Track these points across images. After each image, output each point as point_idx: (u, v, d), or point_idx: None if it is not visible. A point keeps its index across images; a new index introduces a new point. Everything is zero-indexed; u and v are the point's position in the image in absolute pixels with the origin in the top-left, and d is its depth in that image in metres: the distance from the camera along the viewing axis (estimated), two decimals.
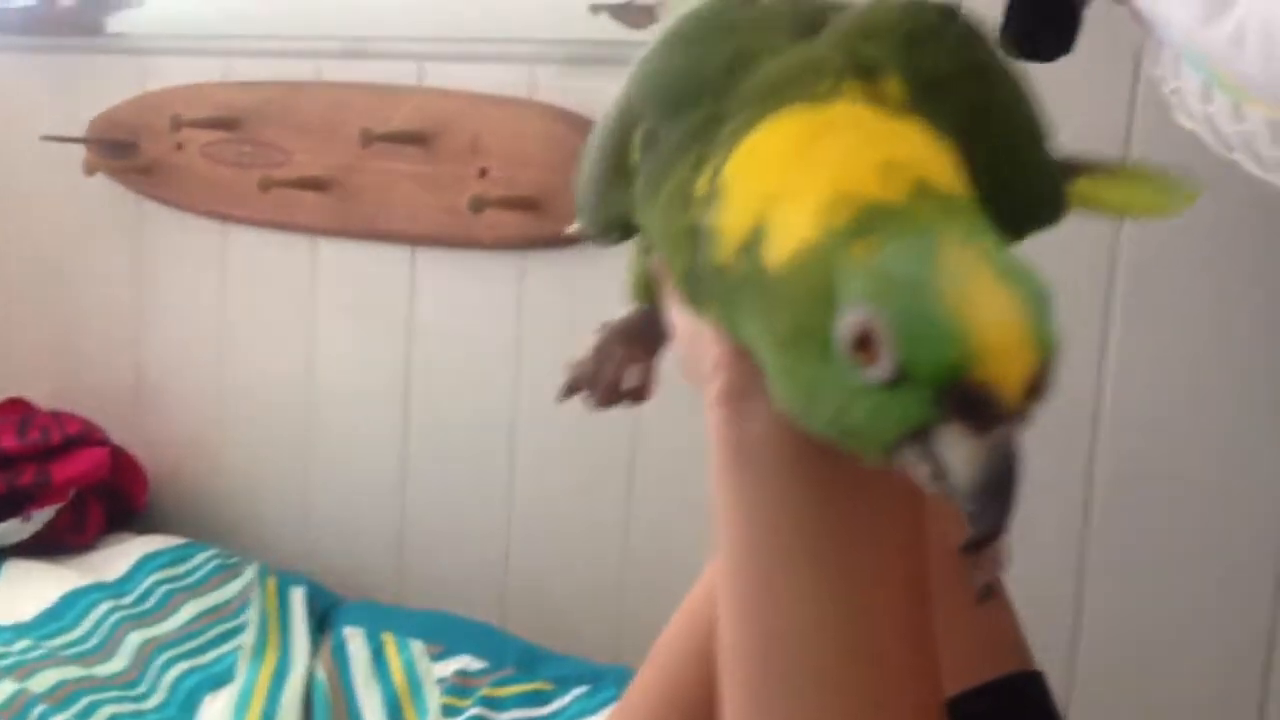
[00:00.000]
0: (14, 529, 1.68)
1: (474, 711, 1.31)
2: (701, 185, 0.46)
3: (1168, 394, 1.21)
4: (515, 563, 1.59)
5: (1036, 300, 0.39)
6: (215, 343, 1.82)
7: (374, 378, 1.68)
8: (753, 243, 0.43)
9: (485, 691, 1.34)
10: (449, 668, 1.39)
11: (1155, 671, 1.23)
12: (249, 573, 1.62)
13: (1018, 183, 0.52)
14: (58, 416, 1.85)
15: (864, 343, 0.39)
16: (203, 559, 1.64)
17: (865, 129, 0.45)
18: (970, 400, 0.39)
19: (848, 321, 0.40)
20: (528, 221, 1.51)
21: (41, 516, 1.70)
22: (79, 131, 1.86)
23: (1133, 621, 1.24)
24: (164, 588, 1.58)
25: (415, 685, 1.37)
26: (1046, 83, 1.14)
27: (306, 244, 1.73)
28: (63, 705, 1.33)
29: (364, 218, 1.65)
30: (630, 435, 1.47)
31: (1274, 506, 1.17)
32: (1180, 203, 0.58)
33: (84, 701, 1.34)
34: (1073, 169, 0.58)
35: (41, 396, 1.94)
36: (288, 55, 1.72)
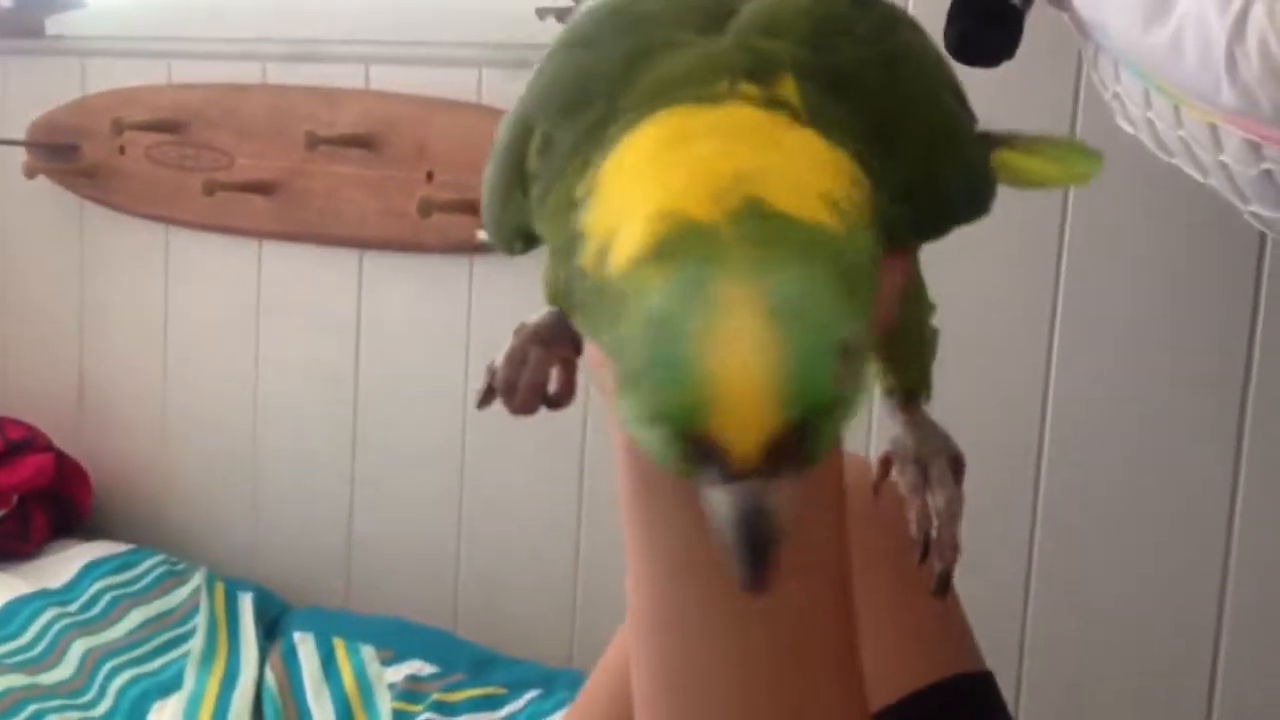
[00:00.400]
0: None
1: (426, 716, 1.31)
2: (581, 189, 0.44)
3: (1110, 397, 1.24)
4: (466, 567, 1.59)
5: (803, 352, 0.35)
6: (160, 347, 1.81)
7: (321, 382, 1.68)
8: (603, 251, 0.40)
9: (437, 696, 1.34)
10: (400, 673, 1.39)
11: (1102, 674, 1.25)
12: (196, 579, 1.61)
13: (938, 176, 0.49)
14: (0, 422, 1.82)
15: (629, 380, 0.37)
16: (149, 565, 1.63)
17: (736, 136, 0.42)
18: (706, 453, 0.35)
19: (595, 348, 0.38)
20: (475, 225, 1.51)
21: None
22: (19, 134, 1.84)
23: (1078, 620, 1.26)
24: (110, 594, 1.56)
25: (366, 690, 1.37)
26: (989, 87, 1.15)
27: (251, 248, 1.72)
28: (8, 714, 1.32)
29: (310, 221, 1.64)
30: (581, 439, 1.48)
31: (1217, 506, 1.19)
32: (1090, 171, 0.56)
33: (29, 710, 1.33)
34: (992, 142, 0.57)
35: None
36: (231, 58, 1.71)
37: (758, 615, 0.45)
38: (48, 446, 1.81)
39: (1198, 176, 0.80)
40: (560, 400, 0.60)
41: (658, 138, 0.42)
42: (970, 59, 0.91)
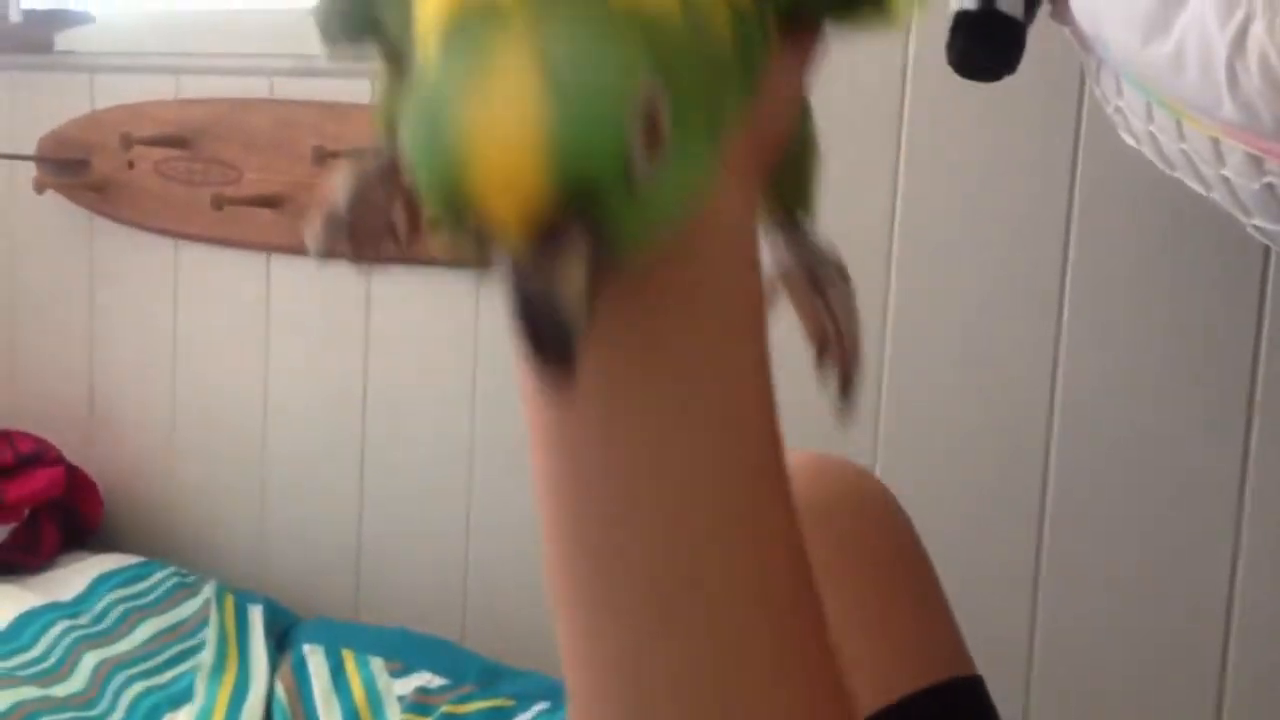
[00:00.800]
0: None
1: None
2: None
3: (1120, 386, 1.24)
4: (474, 578, 1.60)
5: (581, 111, 0.30)
6: (169, 360, 1.82)
7: (329, 394, 1.69)
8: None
9: (446, 708, 1.34)
10: (409, 684, 1.39)
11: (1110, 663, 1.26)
12: (206, 591, 1.61)
13: None
14: (9, 435, 1.83)
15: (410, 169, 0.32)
16: (160, 577, 1.64)
17: None
18: (481, 232, 0.31)
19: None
20: None
21: None
22: (29, 149, 1.85)
23: (1087, 614, 1.27)
24: (121, 607, 1.57)
25: (375, 702, 1.37)
26: (992, 101, 1.16)
27: (260, 261, 1.73)
28: None
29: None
30: None
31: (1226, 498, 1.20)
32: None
33: None
34: None
35: None
36: (238, 73, 1.72)
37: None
38: (58, 459, 1.82)
39: (1200, 190, 0.80)
40: (412, 239, 0.50)
41: None
42: (972, 74, 0.92)
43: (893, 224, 1.32)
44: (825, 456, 0.75)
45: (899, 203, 1.31)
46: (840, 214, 1.31)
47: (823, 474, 0.73)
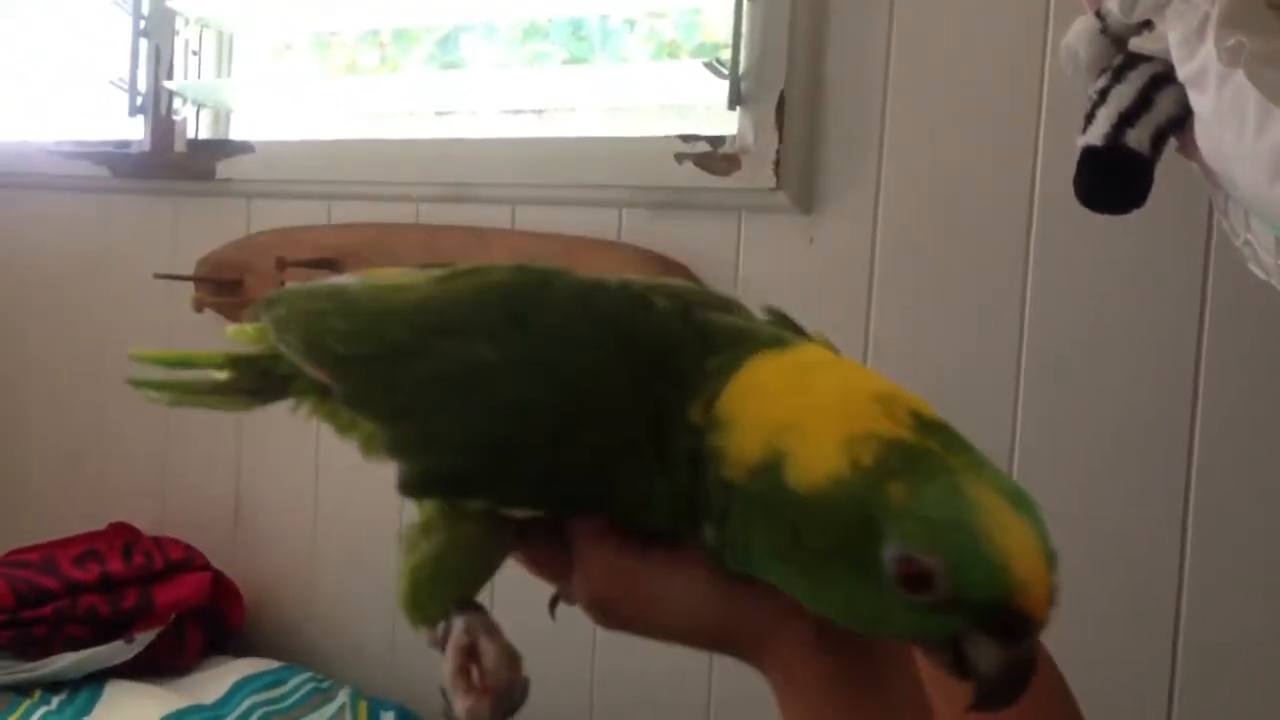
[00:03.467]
0: (118, 650, 1.73)
1: None
2: (695, 414, 0.51)
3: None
4: (600, 689, 1.62)
5: (1041, 522, 0.47)
6: (311, 473, 1.89)
7: None
8: (770, 465, 0.49)
9: None
10: None
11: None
12: (341, 697, 1.66)
13: None
14: (160, 541, 1.92)
15: (919, 578, 0.46)
16: (297, 683, 1.69)
17: (840, 364, 0.52)
18: (1009, 620, 0.46)
19: (902, 559, 0.46)
20: None
21: (144, 639, 1.75)
22: (189, 270, 1.96)
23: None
24: (260, 711, 1.62)
25: None
26: (1122, 234, 1.19)
27: None
28: None
29: None
30: None
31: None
32: None
33: None
34: None
35: (146, 522, 2.02)
36: (387, 199, 1.81)
37: None
38: (205, 566, 1.89)
39: None
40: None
41: (781, 369, 0.51)
42: (1100, 207, 0.95)
43: (1020, 351, 1.34)
44: None
45: (1026, 332, 1.34)
46: (968, 340, 1.34)
47: None
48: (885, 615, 0.48)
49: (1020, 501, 0.47)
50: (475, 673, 0.59)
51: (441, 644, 0.61)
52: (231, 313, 1.94)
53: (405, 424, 0.57)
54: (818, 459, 0.48)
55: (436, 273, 0.61)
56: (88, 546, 1.88)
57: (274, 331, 0.64)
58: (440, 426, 0.56)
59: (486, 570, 0.61)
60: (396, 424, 0.58)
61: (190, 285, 1.94)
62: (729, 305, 0.58)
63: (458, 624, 0.60)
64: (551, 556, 0.60)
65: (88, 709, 1.63)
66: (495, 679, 0.59)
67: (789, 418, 0.49)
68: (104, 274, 2.13)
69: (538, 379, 0.53)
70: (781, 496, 0.48)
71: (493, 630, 0.60)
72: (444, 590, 0.60)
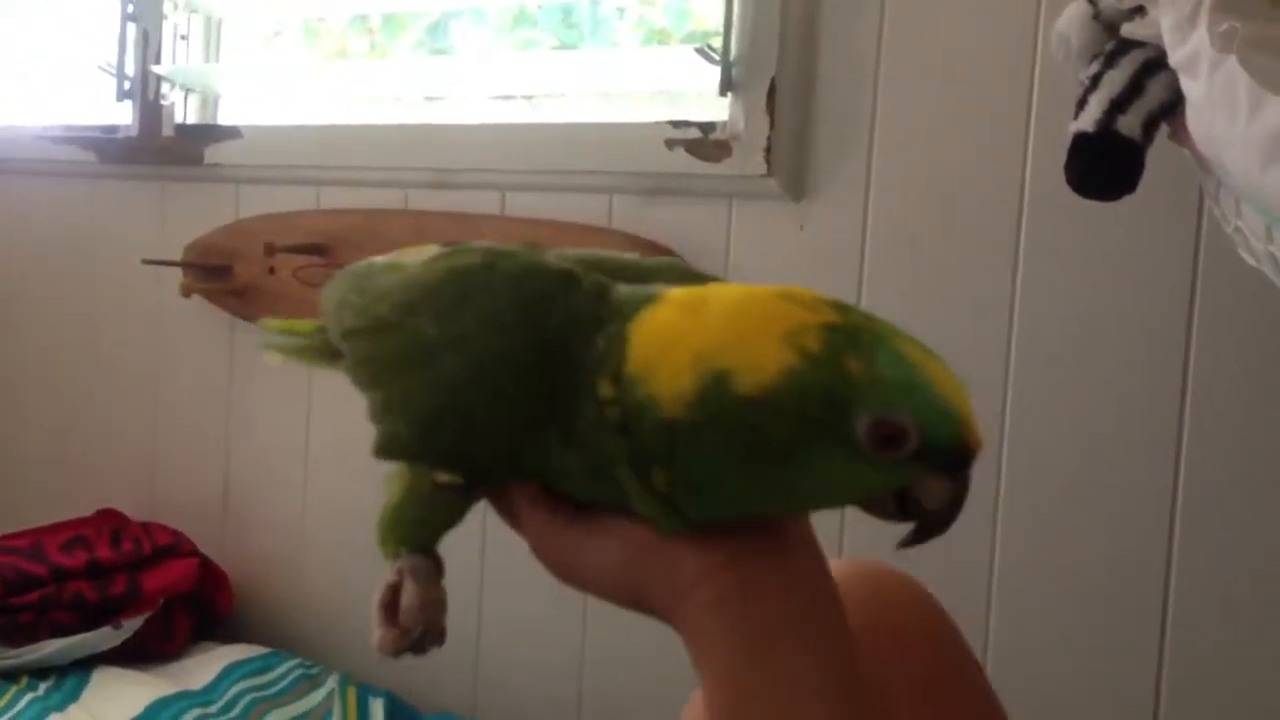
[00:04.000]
0: (106, 636, 1.73)
1: None
2: (604, 389, 0.54)
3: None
4: (589, 678, 1.62)
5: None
6: (301, 459, 1.89)
7: None
8: (712, 386, 0.51)
9: None
10: None
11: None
12: (330, 683, 1.66)
13: None
14: (148, 528, 1.91)
15: (892, 437, 0.51)
16: (286, 669, 1.69)
17: (720, 288, 0.55)
18: (962, 457, 0.52)
19: (876, 422, 0.51)
20: None
21: (132, 625, 1.75)
22: (177, 255, 1.96)
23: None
24: (248, 697, 1.62)
25: None
26: (1113, 221, 1.19)
27: None
28: None
29: None
30: None
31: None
32: None
33: None
34: None
35: (133, 508, 2.01)
36: (376, 185, 1.81)
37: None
38: (193, 552, 1.89)
39: None
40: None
41: (680, 306, 0.54)
42: (1091, 194, 0.95)
43: (1010, 340, 1.34)
44: (870, 564, 0.79)
45: (1016, 320, 1.34)
46: (958, 328, 1.34)
47: (862, 580, 0.76)
48: (858, 480, 0.53)
49: (937, 354, 0.53)
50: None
51: None
52: (219, 298, 1.93)
53: (374, 393, 0.62)
54: (764, 360, 0.51)
55: (434, 252, 0.65)
56: (75, 533, 1.88)
57: (322, 305, 0.70)
58: (393, 397, 0.61)
59: (441, 523, 0.67)
60: (369, 393, 0.63)
61: (178, 271, 1.93)
62: (682, 274, 0.61)
63: (400, 564, 0.65)
64: (513, 516, 0.65)
65: (75, 695, 1.63)
66: (406, 617, 0.63)
67: (709, 342, 0.52)
68: (92, 259, 2.12)
69: (460, 358, 0.58)
70: (736, 407, 0.51)
71: (425, 575, 0.65)
72: (395, 533, 0.66)
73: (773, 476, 0.53)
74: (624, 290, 0.57)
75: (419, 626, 0.64)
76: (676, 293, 0.55)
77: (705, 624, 0.55)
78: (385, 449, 0.62)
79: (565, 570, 0.61)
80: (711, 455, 0.53)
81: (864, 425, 0.51)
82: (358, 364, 0.64)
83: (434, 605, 0.65)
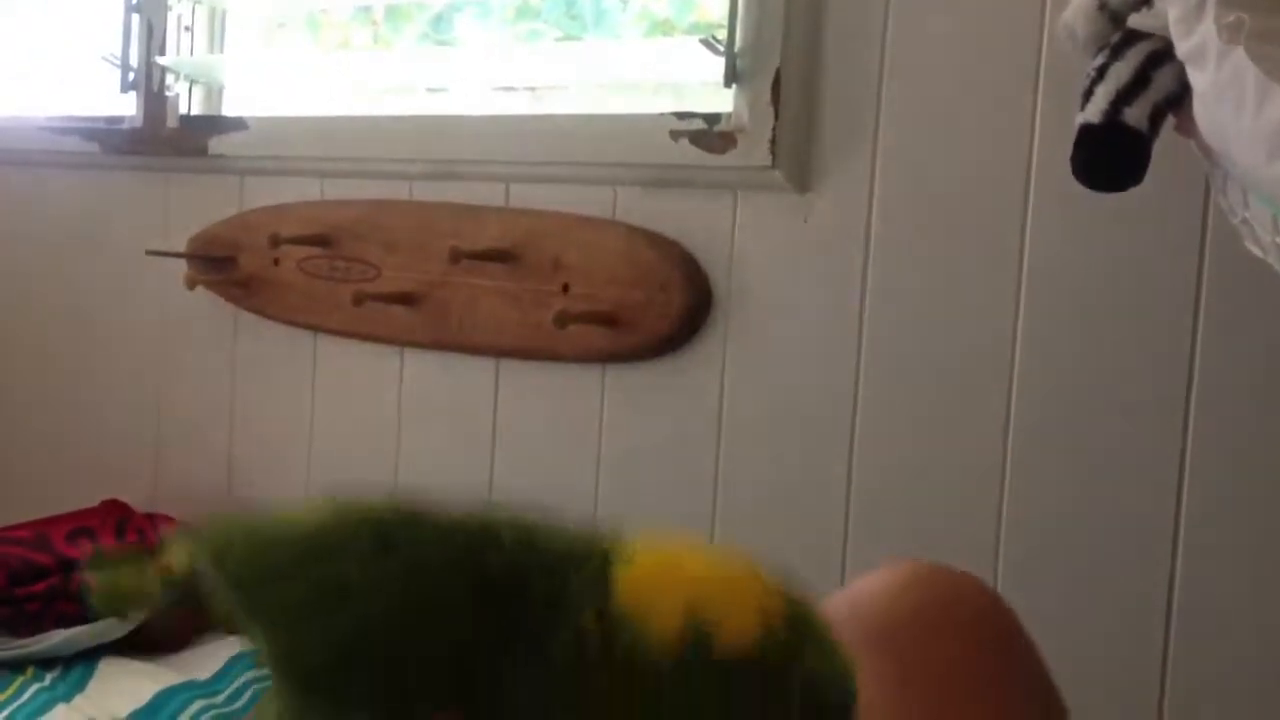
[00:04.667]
0: (111, 627, 1.72)
1: None
2: (588, 621, 0.56)
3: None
4: None
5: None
6: (304, 448, 1.89)
7: (456, 485, 1.74)
8: (695, 639, 0.54)
9: None
10: None
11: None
12: None
13: None
14: (153, 518, 1.92)
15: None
16: None
17: (703, 552, 0.58)
18: None
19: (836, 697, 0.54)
20: (608, 336, 1.57)
21: (136, 615, 1.75)
22: (181, 247, 1.96)
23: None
24: (255, 687, 1.62)
25: None
26: (1118, 212, 1.19)
27: (395, 355, 1.80)
28: None
29: (451, 331, 1.72)
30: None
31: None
32: None
33: None
34: None
35: (138, 498, 2.02)
36: (380, 176, 1.81)
37: None
38: None
39: None
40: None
41: (658, 561, 0.57)
42: (1097, 184, 0.95)
43: (1015, 332, 1.34)
44: (942, 570, 0.76)
45: (1021, 312, 1.34)
46: (963, 320, 1.34)
47: (934, 586, 0.75)
48: None
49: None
50: None
51: None
52: (224, 290, 1.94)
53: (275, 634, 0.63)
54: (740, 626, 0.54)
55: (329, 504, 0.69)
56: (81, 524, 1.88)
57: (196, 553, 0.71)
58: (305, 633, 0.62)
59: None
60: (270, 634, 0.64)
61: (183, 262, 1.94)
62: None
63: None
64: None
65: (81, 685, 1.64)
66: None
67: (694, 593, 0.55)
68: (96, 251, 2.13)
69: (386, 598, 0.60)
70: (713, 666, 0.54)
71: None
72: None
73: None
74: (554, 544, 0.61)
75: None
76: (645, 545, 0.59)
77: None
78: (291, 687, 0.63)
79: None
80: (684, 704, 0.55)
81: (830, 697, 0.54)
82: (251, 610, 0.64)
83: None
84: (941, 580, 0.75)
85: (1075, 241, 1.31)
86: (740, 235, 1.52)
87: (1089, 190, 0.96)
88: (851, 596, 0.74)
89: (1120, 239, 1.29)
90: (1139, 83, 0.92)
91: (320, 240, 1.82)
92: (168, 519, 1.92)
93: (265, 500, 1.93)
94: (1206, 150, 0.88)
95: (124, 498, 2.02)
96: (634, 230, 1.57)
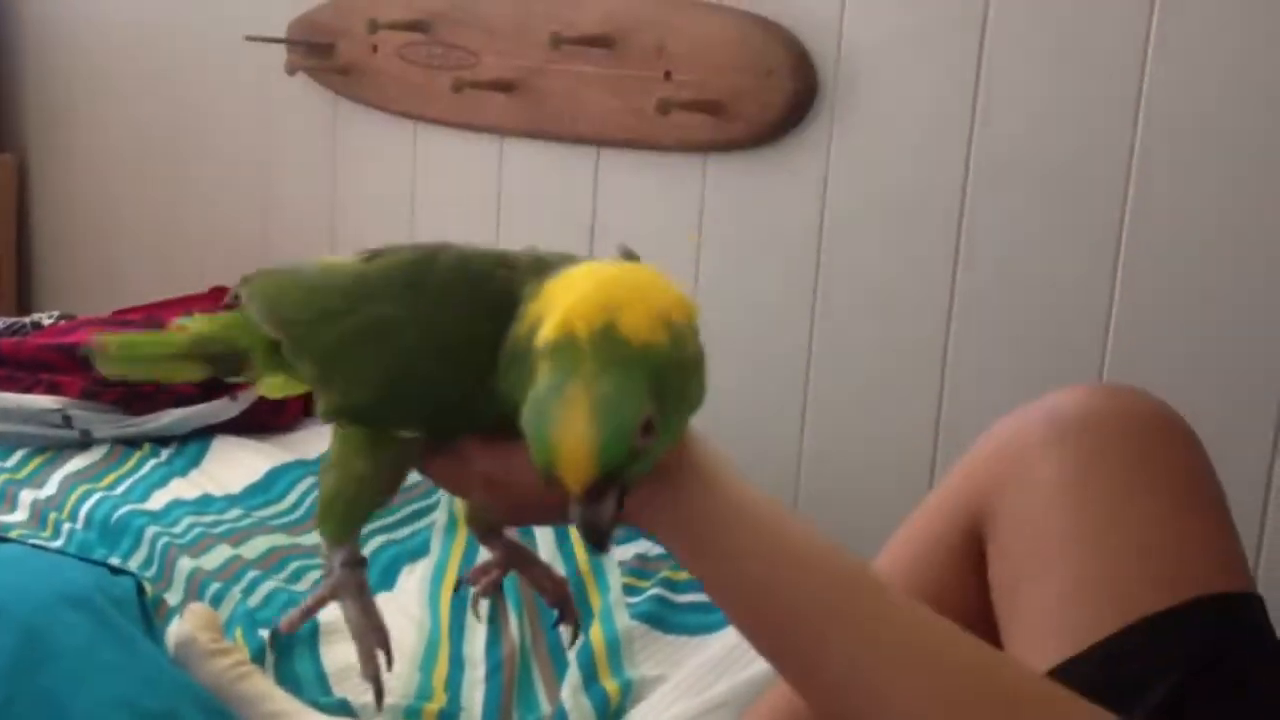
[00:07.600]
0: (223, 407, 1.78)
1: (654, 592, 1.37)
2: (519, 329, 0.65)
3: None
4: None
5: (608, 433, 0.59)
6: (405, 233, 1.90)
7: None
8: (534, 330, 0.64)
9: (665, 574, 1.40)
10: (629, 551, 1.45)
11: None
12: None
13: None
14: None
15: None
16: None
17: (635, 276, 0.67)
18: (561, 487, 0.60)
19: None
20: (710, 124, 1.55)
21: (247, 397, 1.79)
22: (281, 32, 1.94)
23: None
24: None
25: (597, 566, 1.44)
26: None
27: (494, 144, 1.79)
28: (273, 570, 1.43)
29: (550, 119, 1.70)
30: (806, 342, 1.51)
31: None
32: None
33: (292, 566, 1.44)
34: None
35: None
36: None
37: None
38: None
39: None
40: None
41: (580, 274, 0.66)
42: None
43: (1133, 145, 1.29)
44: (1126, 388, 0.84)
45: (1140, 126, 1.29)
46: (1078, 129, 1.29)
47: (1117, 397, 0.83)
48: None
49: (602, 413, 0.59)
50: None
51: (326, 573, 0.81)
52: (323, 77, 1.92)
53: (329, 366, 0.74)
54: (545, 329, 0.62)
55: (364, 256, 0.78)
56: (189, 309, 1.93)
57: (245, 300, 0.81)
58: (355, 367, 0.72)
59: (372, 501, 0.80)
60: (323, 367, 0.74)
61: (282, 49, 1.92)
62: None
63: (334, 577, 0.80)
64: (452, 475, 0.76)
65: (197, 461, 1.70)
66: (361, 639, 0.79)
67: (560, 299, 0.63)
68: (195, 35, 2.12)
69: (422, 331, 0.70)
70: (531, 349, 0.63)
71: (356, 592, 0.80)
72: (333, 515, 0.80)
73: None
74: (554, 259, 0.70)
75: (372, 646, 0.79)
76: (588, 263, 0.68)
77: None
78: (341, 413, 0.74)
79: (523, 490, 0.68)
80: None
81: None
82: (303, 348, 0.75)
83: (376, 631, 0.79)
84: (1125, 393, 0.83)
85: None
86: (849, 22, 1.46)
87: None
88: (1049, 402, 0.83)
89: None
90: None
91: (418, 26, 1.79)
92: None
93: None
94: None
95: (228, 284, 2.05)
96: (739, 14, 1.52)
